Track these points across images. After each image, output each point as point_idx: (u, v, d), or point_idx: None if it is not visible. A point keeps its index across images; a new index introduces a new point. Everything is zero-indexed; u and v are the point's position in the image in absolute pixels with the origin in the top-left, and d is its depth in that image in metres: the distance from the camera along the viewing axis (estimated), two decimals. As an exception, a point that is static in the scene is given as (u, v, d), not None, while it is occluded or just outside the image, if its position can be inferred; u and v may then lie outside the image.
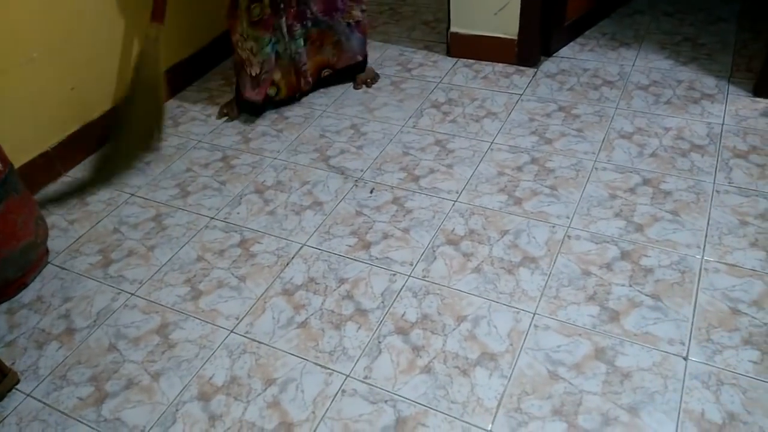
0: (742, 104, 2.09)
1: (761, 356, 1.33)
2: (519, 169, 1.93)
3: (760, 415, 1.22)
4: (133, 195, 2.03)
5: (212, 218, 1.89)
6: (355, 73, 2.44)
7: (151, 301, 1.64)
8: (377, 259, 1.68)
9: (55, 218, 1.96)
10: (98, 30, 2.16)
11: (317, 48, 2.29)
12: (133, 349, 1.51)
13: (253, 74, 2.18)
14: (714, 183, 1.79)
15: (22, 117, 1.98)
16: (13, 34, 1.89)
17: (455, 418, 1.28)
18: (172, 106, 2.49)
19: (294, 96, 2.36)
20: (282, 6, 2.08)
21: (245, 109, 2.33)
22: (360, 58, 2.40)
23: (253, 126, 2.30)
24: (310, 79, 2.33)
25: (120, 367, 1.47)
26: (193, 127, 2.34)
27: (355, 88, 2.44)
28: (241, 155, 2.16)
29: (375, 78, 2.47)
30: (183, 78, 2.58)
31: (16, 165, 1.82)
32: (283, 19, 2.11)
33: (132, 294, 1.67)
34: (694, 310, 1.44)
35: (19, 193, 1.65)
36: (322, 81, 2.42)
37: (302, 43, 2.21)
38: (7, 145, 1.70)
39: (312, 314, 1.54)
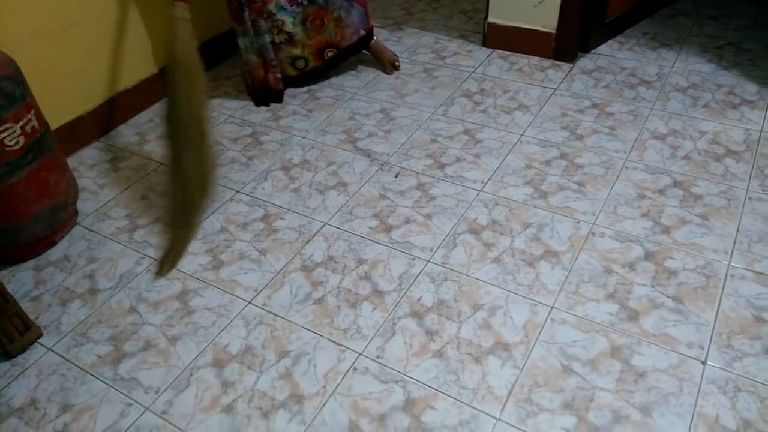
0: (783, 112, 2.03)
1: (783, 367, 1.30)
2: (547, 163, 1.91)
3: (776, 426, 1.20)
4: (162, 164, 2.06)
5: (238, 191, 1.91)
6: (361, 50, 2.37)
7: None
8: (397, 242, 1.68)
9: (86, 181, 2.00)
10: None
11: (317, 27, 2.20)
12: (152, 312, 1.54)
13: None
14: (747, 190, 1.74)
15: (61, 80, 2.02)
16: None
17: (464, 403, 1.28)
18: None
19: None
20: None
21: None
22: (363, 33, 2.32)
23: (284, 104, 2.31)
24: (279, 75, 2.26)
25: (139, 329, 1.51)
26: (226, 101, 2.37)
27: (387, 72, 2.43)
28: (270, 132, 2.17)
29: (398, 58, 2.47)
30: (219, 52, 2.60)
31: (52, 127, 1.86)
32: (246, 12, 2.08)
33: (155, 259, 1.70)
34: (717, 316, 1.41)
35: (54, 153, 1.69)
36: (329, 63, 2.33)
37: (267, 38, 2.16)
38: (44, 107, 1.74)
39: (329, 291, 1.56)
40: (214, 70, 2.58)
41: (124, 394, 1.36)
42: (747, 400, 1.25)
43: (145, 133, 2.23)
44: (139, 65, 2.29)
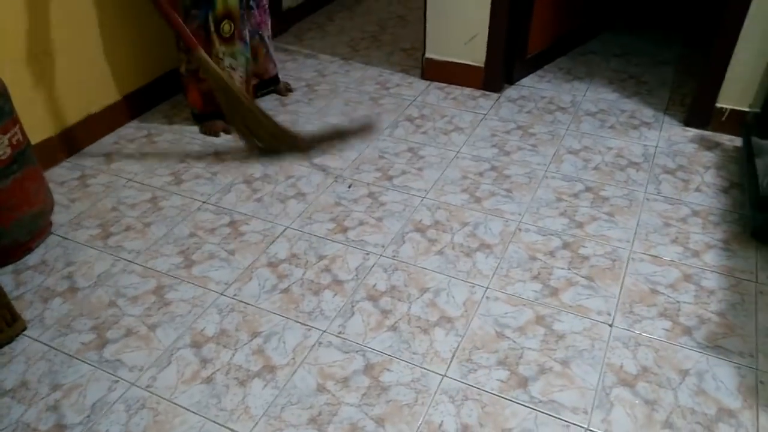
0: (674, 132, 2.41)
1: (673, 325, 1.58)
2: (480, 174, 2.20)
3: (667, 369, 1.47)
4: (130, 180, 2.22)
5: (204, 202, 2.09)
6: (273, 85, 2.73)
7: (147, 268, 1.82)
8: (353, 241, 1.90)
9: (57, 196, 2.13)
10: (103, 29, 2.38)
11: (253, 59, 2.52)
12: (131, 305, 1.69)
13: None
14: (645, 192, 2.08)
15: (32, 103, 2.17)
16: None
17: (415, 365, 1.50)
18: (166, 107, 2.71)
19: None
20: (242, 15, 2.33)
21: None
22: (276, 71, 2.71)
23: (243, 128, 2.52)
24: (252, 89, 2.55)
25: (120, 319, 1.65)
26: (186, 125, 2.55)
27: (284, 95, 2.76)
28: (231, 151, 2.37)
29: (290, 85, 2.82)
30: (175, 84, 2.79)
31: (28, 143, 2.00)
32: (246, 30, 2.37)
33: (130, 261, 1.85)
34: (621, 289, 1.70)
35: (35, 165, 1.83)
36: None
37: (248, 50, 2.45)
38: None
39: (294, 282, 1.75)
40: (170, 100, 2.76)
41: (110, 373, 1.50)
42: (645, 352, 1.52)
43: (111, 153, 2.39)
44: (104, 92, 2.46)
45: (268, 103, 2.67)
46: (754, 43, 2.17)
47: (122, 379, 1.48)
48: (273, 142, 2.26)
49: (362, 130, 2.24)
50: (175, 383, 1.47)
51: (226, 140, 2.45)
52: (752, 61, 2.20)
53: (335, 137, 2.33)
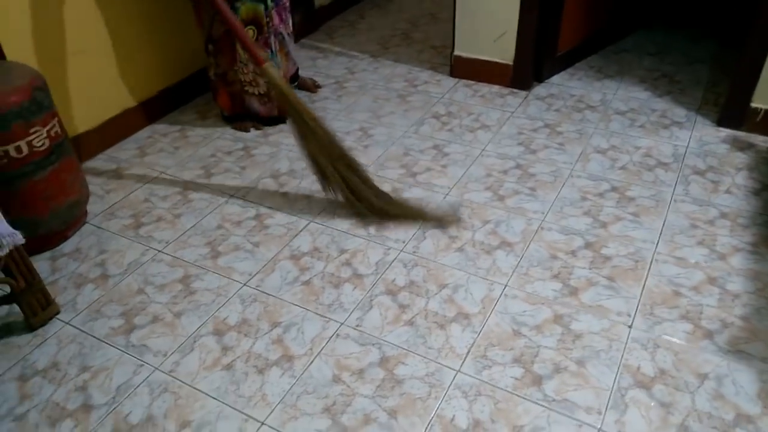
0: (707, 132, 2.36)
1: (694, 328, 1.56)
2: (505, 172, 2.20)
3: (686, 372, 1.45)
4: (162, 173, 2.29)
5: (232, 195, 2.15)
6: (293, 82, 2.72)
7: (175, 257, 1.88)
8: (374, 236, 1.93)
9: (93, 187, 2.21)
10: (140, 30, 2.46)
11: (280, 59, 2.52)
12: (158, 293, 1.75)
13: (261, 92, 2.44)
14: (673, 193, 2.04)
15: (70, 98, 2.26)
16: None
17: (431, 360, 1.51)
18: (199, 103, 2.78)
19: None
20: (268, 22, 2.33)
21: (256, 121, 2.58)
22: (297, 66, 2.71)
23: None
24: None
25: (147, 306, 1.71)
26: (219, 121, 2.62)
27: (313, 92, 2.78)
28: (259, 146, 2.42)
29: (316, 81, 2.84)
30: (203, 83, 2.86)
31: (66, 136, 2.09)
32: (272, 36, 2.37)
33: (159, 251, 1.91)
34: (642, 291, 1.68)
35: (71, 156, 1.91)
36: None
37: (275, 57, 2.44)
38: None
39: (315, 275, 1.79)
40: (203, 96, 2.82)
41: (135, 357, 1.56)
42: (664, 354, 1.50)
43: (145, 147, 2.47)
44: (140, 88, 2.54)
45: (297, 100, 2.71)
46: (791, 41, 2.11)
47: (147, 363, 1.54)
48: (344, 187, 1.98)
49: (444, 219, 1.95)
50: (197, 369, 1.52)
51: (256, 135, 2.50)
52: (789, 60, 2.14)
53: (414, 214, 2.00)
